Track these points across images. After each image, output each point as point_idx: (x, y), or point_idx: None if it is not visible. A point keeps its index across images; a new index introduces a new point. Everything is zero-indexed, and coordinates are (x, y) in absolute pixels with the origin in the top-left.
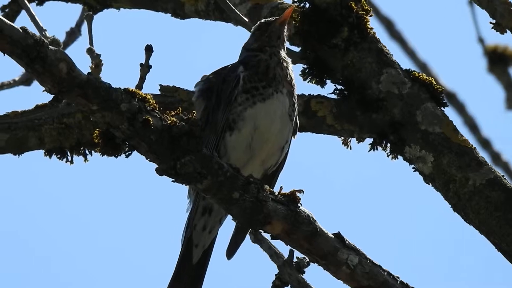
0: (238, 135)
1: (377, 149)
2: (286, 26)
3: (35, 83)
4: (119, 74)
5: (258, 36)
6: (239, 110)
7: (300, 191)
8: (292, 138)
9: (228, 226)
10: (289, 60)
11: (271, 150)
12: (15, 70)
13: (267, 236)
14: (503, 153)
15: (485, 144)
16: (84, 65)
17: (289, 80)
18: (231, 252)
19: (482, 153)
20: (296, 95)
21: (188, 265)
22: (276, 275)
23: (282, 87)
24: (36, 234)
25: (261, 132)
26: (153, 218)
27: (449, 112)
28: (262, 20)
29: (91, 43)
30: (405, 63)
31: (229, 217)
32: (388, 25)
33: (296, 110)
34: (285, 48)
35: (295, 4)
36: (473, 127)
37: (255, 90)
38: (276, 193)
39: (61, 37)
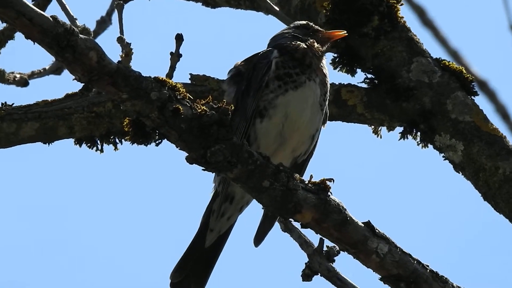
0: (268, 123)
1: (407, 138)
2: (329, 43)
3: (66, 72)
4: (149, 63)
5: (305, 32)
6: (270, 97)
7: (331, 179)
8: (322, 127)
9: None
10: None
11: (301, 139)
12: (46, 59)
13: (297, 225)
14: None
15: None
16: (114, 54)
17: (323, 71)
18: (259, 239)
19: None
20: (328, 85)
21: (199, 247)
22: (306, 263)
23: (315, 76)
24: (67, 222)
25: (292, 120)
26: (182, 205)
27: (480, 100)
28: (311, 23)
29: (121, 32)
30: (437, 51)
31: (253, 204)
32: (420, 12)
33: (327, 99)
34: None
35: None
36: (504, 115)
37: (288, 76)
38: (306, 182)
39: (92, 26)
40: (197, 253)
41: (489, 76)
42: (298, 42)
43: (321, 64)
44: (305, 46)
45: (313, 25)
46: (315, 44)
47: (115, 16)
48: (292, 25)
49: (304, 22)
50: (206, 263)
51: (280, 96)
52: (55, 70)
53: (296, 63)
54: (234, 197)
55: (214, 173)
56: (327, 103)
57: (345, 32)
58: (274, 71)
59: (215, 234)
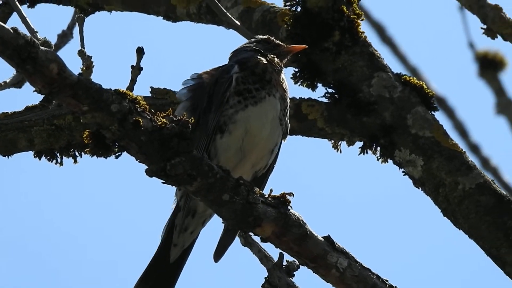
0: (229, 138)
1: (367, 153)
2: (289, 57)
3: (26, 85)
4: (110, 76)
5: (266, 47)
6: (230, 112)
7: (290, 193)
8: (283, 141)
9: (214, 228)
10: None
11: (261, 153)
12: (6, 72)
13: (256, 239)
14: (493, 158)
15: (475, 149)
16: (76, 67)
17: (283, 86)
18: (218, 254)
19: (471, 158)
20: (288, 100)
21: (163, 263)
22: (265, 278)
23: (275, 91)
24: (25, 235)
25: (252, 135)
26: (142, 218)
27: (439, 116)
28: (272, 37)
29: (82, 45)
30: (396, 67)
31: (214, 219)
32: (379, 29)
33: (288, 114)
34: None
35: (287, 7)
36: (462, 131)
37: (247, 92)
38: (266, 196)
39: (53, 40)
40: (161, 268)
41: (448, 93)
42: (259, 57)
43: (281, 79)
44: (265, 62)
45: (274, 39)
46: (275, 59)
47: (76, 30)
48: (253, 39)
49: (265, 36)
50: (171, 278)
51: (240, 111)
52: (16, 83)
53: (256, 78)
54: (196, 211)
55: (175, 187)
56: (287, 118)
57: (305, 45)
58: (235, 87)
59: (179, 248)
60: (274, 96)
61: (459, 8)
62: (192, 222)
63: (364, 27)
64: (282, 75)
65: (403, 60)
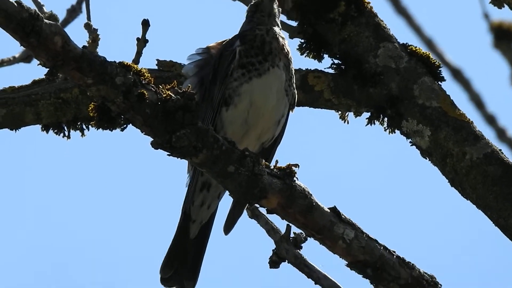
0: (234, 110)
1: (374, 124)
2: (276, 2)
3: (35, 60)
4: (117, 49)
5: (251, 17)
6: (235, 85)
7: (296, 165)
8: (290, 112)
9: (226, 201)
10: (285, 34)
11: (267, 125)
12: (15, 47)
13: (263, 211)
14: (508, 129)
15: (491, 120)
16: (83, 42)
17: (285, 53)
18: (228, 227)
19: (487, 129)
20: (293, 69)
21: (185, 240)
22: (273, 250)
23: (278, 61)
24: (34, 209)
25: (257, 107)
26: (151, 192)
27: (455, 88)
28: (252, 2)
29: (88, 18)
30: (411, 39)
31: (228, 192)
32: (394, 1)
33: (294, 84)
34: (279, 24)
35: None
36: (478, 103)
37: (251, 65)
38: (272, 167)
39: (62, 14)
40: (183, 246)
41: (463, 65)
42: (258, 28)
43: (281, 45)
44: (262, 33)
45: (255, 2)
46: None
47: (85, 5)
48: (248, 8)
49: (248, 8)
50: (195, 255)
51: (244, 84)
52: (25, 58)
53: (258, 51)
54: (211, 185)
55: (180, 159)
56: (293, 88)
57: None
58: (238, 60)
59: (197, 224)
60: (278, 67)
61: None
62: (208, 196)
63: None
64: (285, 42)
65: (418, 32)
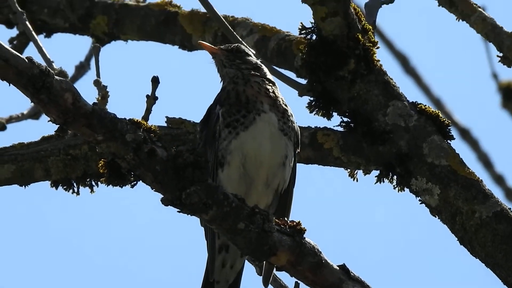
0: (228, 169)
1: (383, 181)
2: (217, 52)
3: (44, 117)
4: (126, 106)
5: (221, 75)
6: (225, 144)
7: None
8: (297, 150)
9: None
10: (265, 69)
11: (271, 170)
12: (24, 103)
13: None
14: None
15: (499, 180)
16: (92, 98)
17: (266, 93)
18: (266, 279)
19: (495, 189)
20: (283, 103)
21: None
22: None
23: (261, 105)
24: (42, 265)
25: (252, 158)
26: (162, 248)
27: (463, 147)
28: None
29: (98, 74)
30: (420, 98)
31: None
32: (403, 60)
33: (292, 117)
34: (259, 63)
35: (302, 36)
36: (486, 163)
37: (236, 121)
38: (281, 224)
39: (70, 70)
40: None
41: (472, 124)
42: (226, 85)
43: (260, 86)
44: (232, 86)
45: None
46: (250, 71)
47: (93, 61)
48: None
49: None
50: None
51: (233, 140)
52: (33, 114)
53: (238, 106)
54: (229, 246)
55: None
56: (293, 124)
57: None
58: (223, 122)
59: (222, 284)
60: (264, 111)
61: (481, 39)
62: (228, 257)
63: (388, 58)
64: (259, 80)
65: (426, 91)
